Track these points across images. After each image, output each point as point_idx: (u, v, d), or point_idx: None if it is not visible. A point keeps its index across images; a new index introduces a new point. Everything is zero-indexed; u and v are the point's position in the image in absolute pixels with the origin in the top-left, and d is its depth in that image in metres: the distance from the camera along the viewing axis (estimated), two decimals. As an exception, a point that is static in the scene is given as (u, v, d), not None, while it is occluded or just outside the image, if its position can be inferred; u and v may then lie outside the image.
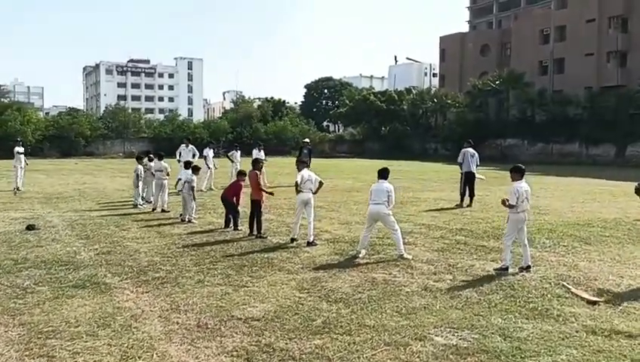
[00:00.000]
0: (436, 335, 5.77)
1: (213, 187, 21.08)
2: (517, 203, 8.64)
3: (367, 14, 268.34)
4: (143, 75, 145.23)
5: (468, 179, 17.02)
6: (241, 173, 12.72)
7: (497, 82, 54.93)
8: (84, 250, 9.78)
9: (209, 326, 5.91)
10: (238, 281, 7.79)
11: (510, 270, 8.55)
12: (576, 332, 5.94)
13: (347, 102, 69.74)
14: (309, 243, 10.46)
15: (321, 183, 10.93)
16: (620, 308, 6.79)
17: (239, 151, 23.14)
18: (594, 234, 11.97)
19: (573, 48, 54.13)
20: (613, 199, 19.05)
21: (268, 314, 6.33)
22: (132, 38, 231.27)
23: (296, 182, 10.72)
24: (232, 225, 12.23)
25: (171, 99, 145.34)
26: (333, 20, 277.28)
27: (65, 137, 53.02)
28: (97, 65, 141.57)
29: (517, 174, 9.07)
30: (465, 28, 79.07)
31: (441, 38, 72.22)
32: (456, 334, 5.83)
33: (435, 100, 61.92)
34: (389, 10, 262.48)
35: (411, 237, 11.43)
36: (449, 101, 59.83)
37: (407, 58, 79.65)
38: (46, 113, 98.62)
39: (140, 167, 16.13)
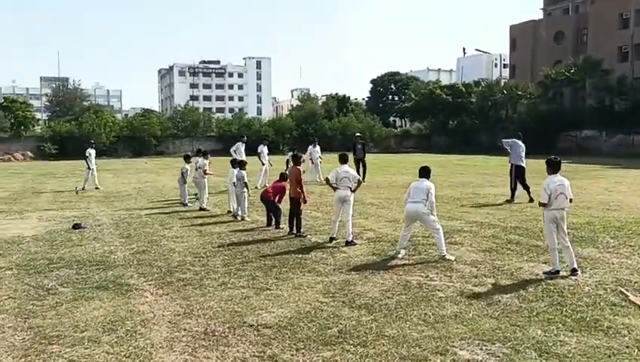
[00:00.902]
0: (461, 349, 5.19)
1: (268, 184, 20.89)
2: (549, 200, 7.85)
3: (436, 5, 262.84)
4: (214, 75, 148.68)
5: (518, 173, 16.07)
6: (283, 176, 12.35)
7: (572, 70, 51.96)
8: (121, 249, 9.76)
9: (216, 333, 5.59)
10: (263, 284, 7.45)
11: (562, 273, 7.75)
12: (627, 347, 5.19)
13: (413, 96, 68.26)
14: (347, 243, 10.00)
15: (359, 181, 10.37)
16: (685, 319, 5.93)
17: (267, 147, 22.12)
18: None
19: (656, 32, 50.46)
20: (696, 193, 17.41)
21: (282, 321, 5.93)
22: (203, 39, 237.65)
23: (327, 179, 10.32)
24: (274, 223, 11.95)
25: (241, 99, 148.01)
26: (399, 13, 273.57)
27: (137, 137, 54.78)
28: (171, 68, 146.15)
29: (550, 168, 8.26)
30: (539, 16, 75.64)
31: (511, 27, 69.25)
32: (484, 347, 5.23)
33: (505, 92, 59.33)
34: (459, 0, 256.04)
35: (460, 236, 10.73)
36: (519, 92, 57.18)
37: (476, 49, 77.06)
38: (125, 115, 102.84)
39: (188, 166, 16.15)
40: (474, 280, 7.59)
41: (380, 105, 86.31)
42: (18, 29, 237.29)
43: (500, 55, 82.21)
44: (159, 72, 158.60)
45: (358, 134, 27.32)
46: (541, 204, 8.01)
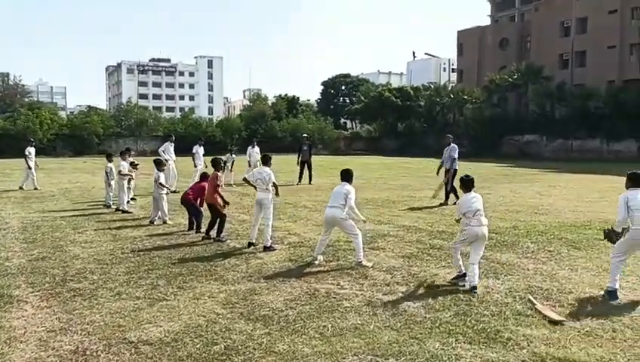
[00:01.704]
0: (350, 366, 4.86)
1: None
2: (465, 216, 7.53)
3: (387, 9, 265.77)
4: (164, 73, 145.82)
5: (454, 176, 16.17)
6: (204, 175, 11.87)
7: (515, 76, 53.23)
8: (19, 256, 9.08)
9: (88, 352, 5.10)
10: (162, 294, 6.97)
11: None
12: (522, 361, 4.97)
13: (363, 98, 68.56)
14: (265, 249, 9.61)
15: (275, 185, 9.92)
16: (587, 329, 5.79)
17: (202, 148, 21.26)
18: (588, 237, 10.86)
19: (594, 40, 52.15)
20: (623, 198, 17.77)
21: (167, 337, 5.48)
22: (154, 37, 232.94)
23: (244, 178, 9.95)
24: (196, 227, 11.44)
25: (192, 98, 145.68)
26: (351, 16, 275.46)
27: (77, 136, 52.94)
28: (119, 65, 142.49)
29: (464, 187, 7.90)
30: (487, 22, 77.18)
31: (459, 32, 70.47)
32: (375, 363, 4.92)
33: (452, 96, 60.32)
34: (410, 5, 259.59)
35: (383, 241, 10.49)
36: (465, 97, 58.21)
37: (426, 53, 78.20)
38: (70, 112, 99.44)
39: (111, 165, 15.41)
40: (385, 288, 7.31)
41: (331, 106, 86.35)
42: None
43: (449, 60, 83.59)
44: (107, 69, 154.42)
45: (305, 135, 26.94)
46: (457, 221, 7.99)
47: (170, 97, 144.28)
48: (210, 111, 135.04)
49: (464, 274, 7.50)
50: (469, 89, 59.31)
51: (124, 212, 14.15)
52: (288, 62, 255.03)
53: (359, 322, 5.98)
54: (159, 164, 12.92)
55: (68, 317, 6.03)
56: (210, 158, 12.28)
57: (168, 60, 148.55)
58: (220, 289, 7.16)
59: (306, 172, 23.04)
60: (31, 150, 20.86)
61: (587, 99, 47.27)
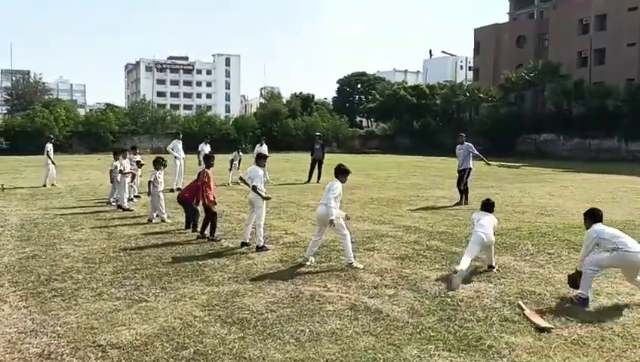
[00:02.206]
0: (320, 373, 4.69)
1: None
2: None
3: (405, 7, 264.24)
4: (182, 71, 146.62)
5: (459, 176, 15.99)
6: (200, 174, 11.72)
7: (532, 74, 52.45)
8: (10, 254, 9.04)
9: (53, 355, 4.99)
10: (143, 295, 6.86)
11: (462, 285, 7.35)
12: (499, 371, 4.77)
13: (377, 96, 68.15)
14: (257, 249, 9.47)
15: (254, 187, 9.56)
16: (574, 337, 5.56)
17: (208, 146, 20.80)
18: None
19: (614, 38, 51.17)
20: (635, 199, 17.39)
21: (138, 340, 5.36)
22: (172, 35, 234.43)
23: (240, 177, 9.83)
24: (192, 226, 11.33)
25: (209, 96, 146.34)
26: (369, 14, 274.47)
27: (93, 133, 53.38)
28: (138, 63, 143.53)
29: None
30: (504, 20, 76.25)
31: (475, 30, 69.67)
32: (347, 371, 4.74)
33: (468, 94, 59.65)
34: (428, 2, 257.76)
35: (380, 242, 10.30)
36: (481, 95, 57.51)
37: (443, 52, 77.53)
38: (90, 110, 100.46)
39: (116, 163, 15.36)
40: (372, 291, 7.13)
41: (347, 105, 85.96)
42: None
43: (466, 58, 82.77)
44: (126, 67, 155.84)
45: (317, 133, 26.74)
46: None
47: (187, 95, 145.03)
48: (228, 109, 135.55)
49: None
50: (485, 87, 58.58)
51: (124, 210, 14.12)
52: (305, 61, 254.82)
53: (338, 327, 5.81)
54: (156, 163, 12.84)
55: (42, 319, 5.94)
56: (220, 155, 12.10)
57: (186, 58, 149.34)
58: (203, 291, 7.04)
59: (316, 171, 22.91)
60: (50, 146, 21.21)
61: (605, 97, 46.39)
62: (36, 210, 14.14)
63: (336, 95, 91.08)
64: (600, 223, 6.92)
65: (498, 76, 58.68)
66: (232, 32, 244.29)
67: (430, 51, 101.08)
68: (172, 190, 17.49)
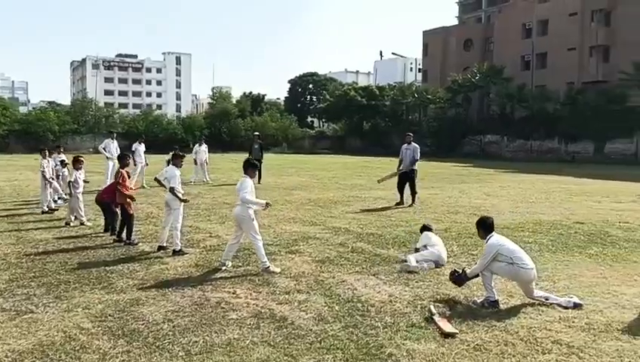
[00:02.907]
0: (201, 389, 4.34)
1: (145, 185, 19.62)
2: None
3: (358, 8, 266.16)
4: (131, 69, 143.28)
5: (400, 178, 15.95)
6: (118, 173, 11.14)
7: (477, 77, 53.46)
8: None
9: None
10: (32, 305, 6.35)
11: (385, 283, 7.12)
12: (393, 382, 4.52)
13: (328, 97, 68.14)
14: (174, 253, 9.04)
15: (171, 189, 9.20)
16: (478, 342, 5.38)
17: (143, 145, 20.56)
18: (517, 239, 10.44)
19: (555, 43, 52.67)
20: (567, 198, 17.69)
21: (8, 357, 4.89)
22: (120, 32, 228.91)
23: (155, 178, 9.42)
24: (112, 229, 10.77)
25: (159, 95, 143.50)
26: (321, 15, 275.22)
27: (32, 133, 51.39)
28: (84, 60, 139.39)
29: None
30: (453, 23, 77.46)
31: (424, 32, 70.60)
32: (232, 386, 4.41)
33: (416, 96, 60.31)
34: (380, 4, 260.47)
35: (305, 244, 10.01)
36: (429, 97, 58.26)
37: (393, 53, 78.01)
38: (33, 108, 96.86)
39: (45, 161, 14.55)
40: (283, 296, 6.81)
41: (298, 105, 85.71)
42: None
43: (416, 59, 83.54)
44: (71, 64, 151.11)
45: (256, 133, 26.30)
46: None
47: (136, 94, 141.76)
48: (178, 108, 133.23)
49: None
50: (433, 89, 59.39)
51: (43, 212, 13.41)
52: (258, 61, 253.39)
53: (236, 337, 5.47)
54: (75, 162, 12.22)
55: None
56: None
57: (135, 56, 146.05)
58: (101, 300, 6.57)
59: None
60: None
61: (546, 100, 47.71)
62: (-53, 212, 13.26)
63: (287, 95, 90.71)
64: (494, 233, 6.87)
65: (446, 78, 59.61)
66: (184, 31, 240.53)
67: (381, 52, 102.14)
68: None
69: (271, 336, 5.49)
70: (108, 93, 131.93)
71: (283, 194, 18.48)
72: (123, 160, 10.39)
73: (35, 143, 50.87)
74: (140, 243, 9.88)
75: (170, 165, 9.37)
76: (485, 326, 5.82)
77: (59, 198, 15.17)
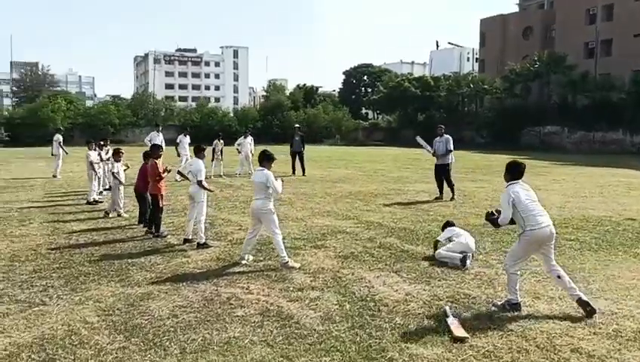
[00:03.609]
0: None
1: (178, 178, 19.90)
2: None
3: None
4: (190, 63, 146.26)
5: (436, 171, 15.44)
6: (146, 155, 10.96)
7: (537, 66, 51.40)
8: (-63, 250, 8.67)
9: None
10: (47, 297, 6.44)
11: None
12: (387, 390, 4.27)
13: (382, 88, 67.30)
14: (199, 246, 9.02)
15: (199, 182, 9.11)
16: (489, 348, 5.04)
17: (188, 137, 20.90)
18: (559, 236, 9.93)
19: (621, 29, 49.97)
20: (624, 193, 16.70)
21: (6, 351, 4.93)
22: (181, 27, 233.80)
23: (178, 171, 9.36)
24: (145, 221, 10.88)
25: (217, 88, 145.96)
26: (377, 5, 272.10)
27: (94, 125, 53.30)
28: (146, 55, 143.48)
29: None
30: (515, 10, 74.74)
31: (481, 20, 68.52)
32: (218, 387, 4.27)
33: (472, 86, 58.64)
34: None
35: (333, 239, 9.80)
36: (486, 87, 56.53)
37: (449, 43, 76.33)
38: (99, 102, 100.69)
39: (92, 153, 14.90)
40: (296, 293, 6.64)
41: (353, 96, 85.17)
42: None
43: (473, 49, 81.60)
44: (135, 59, 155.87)
45: (296, 125, 26.23)
46: None
47: (196, 87, 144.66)
48: (236, 101, 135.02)
49: None
50: (490, 79, 57.61)
51: (88, 203, 13.76)
52: (314, 52, 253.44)
53: (237, 335, 5.34)
54: (115, 154, 12.46)
55: None
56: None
57: (194, 50, 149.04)
58: (114, 293, 6.59)
59: (297, 163, 22.56)
60: (59, 137, 21.28)
61: (610, 89, 45.35)
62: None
63: (342, 86, 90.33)
64: (518, 182, 6.22)
65: (504, 68, 57.68)
66: (241, 24, 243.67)
67: (437, 42, 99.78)
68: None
69: (272, 336, 5.33)
70: (168, 86, 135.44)
71: (325, 186, 18.31)
72: (155, 150, 10.38)
73: (96, 136, 52.99)
74: (170, 236, 9.92)
75: (195, 158, 9.33)
76: (501, 331, 5.46)
77: (104, 190, 15.55)
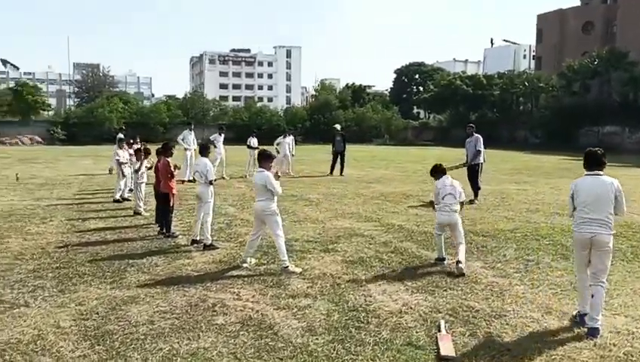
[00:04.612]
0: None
1: (225, 176, 19.98)
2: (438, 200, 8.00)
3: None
4: (244, 63, 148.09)
5: (468, 172, 14.73)
6: (158, 153, 10.55)
7: (596, 62, 49.07)
8: (-52, 247, 8.78)
9: None
10: (32, 298, 6.31)
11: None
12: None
13: (432, 87, 66.00)
14: (205, 247, 8.79)
15: (210, 183, 8.90)
16: (474, 371, 4.52)
17: (222, 136, 20.90)
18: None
19: (689, 22, 47.09)
20: (677, 198, 15.49)
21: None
22: (235, 28, 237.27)
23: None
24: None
25: (270, 88, 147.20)
26: (430, 2, 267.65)
27: (146, 124, 54.55)
28: (201, 56, 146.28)
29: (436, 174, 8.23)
30: (576, 5, 71.75)
31: (538, 16, 66.17)
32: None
33: (527, 84, 56.62)
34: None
35: (347, 242, 9.39)
36: (541, 85, 54.46)
37: (504, 40, 73.89)
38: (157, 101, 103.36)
39: (121, 151, 14.98)
40: (287, 301, 6.27)
41: (404, 95, 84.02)
42: (58, 14, 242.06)
43: (530, 46, 78.82)
44: (190, 59, 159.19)
45: (337, 126, 25.84)
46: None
47: (249, 87, 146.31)
48: (288, 100, 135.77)
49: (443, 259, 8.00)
50: (546, 76, 55.47)
51: (115, 201, 13.83)
52: (366, 51, 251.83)
53: (207, 345, 5.02)
54: (137, 153, 12.45)
55: None
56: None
57: (248, 50, 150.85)
58: (100, 295, 6.41)
59: (338, 164, 22.23)
60: (121, 136, 21.67)
61: (675, 87, 42.78)
62: (28, 199, 14.06)
63: (392, 85, 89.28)
64: (589, 174, 5.76)
65: (561, 65, 55.45)
66: (295, 23, 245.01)
67: (491, 40, 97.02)
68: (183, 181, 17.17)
69: (244, 347, 4.98)
70: (222, 86, 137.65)
71: (359, 187, 17.87)
72: (167, 149, 10.14)
73: (148, 134, 54.22)
74: (181, 236, 9.74)
75: (200, 157, 9.10)
76: (496, 351, 4.92)
77: (130, 190, 15.62)
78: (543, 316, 5.81)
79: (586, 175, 5.76)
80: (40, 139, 49.81)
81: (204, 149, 9.25)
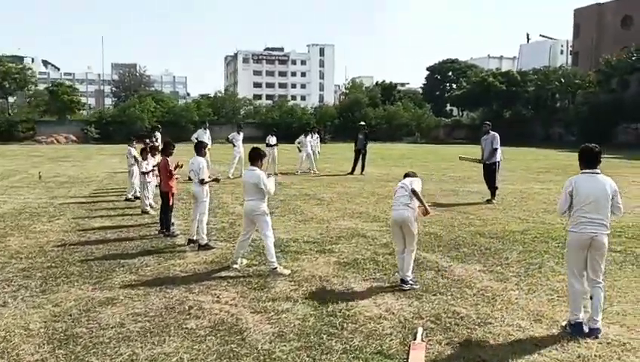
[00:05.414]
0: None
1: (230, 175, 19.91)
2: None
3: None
4: (277, 62, 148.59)
5: (484, 170, 14.27)
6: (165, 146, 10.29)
7: (634, 57, 47.38)
8: (-50, 245, 8.89)
9: None
10: (12, 298, 6.27)
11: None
12: None
13: (464, 84, 64.89)
14: (200, 247, 8.68)
15: (202, 182, 8.79)
16: (442, 385, 4.25)
17: (241, 134, 20.66)
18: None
19: None
20: None
21: None
22: (269, 26, 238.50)
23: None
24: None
25: (303, 86, 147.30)
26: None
27: (176, 123, 55.18)
28: (236, 55, 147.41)
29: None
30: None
31: (575, 10, 64.35)
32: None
33: (562, 80, 55.08)
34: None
35: (345, 242, 9.17)
36: (578, 81, 52.89)
37: (540, 35, 72.18)
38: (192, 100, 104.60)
39: (133, 149, 14.98)
40: (266, 304, 6.08)
41: (437, 93, 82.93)
42: (95, 14, 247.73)
43: (567, 41, 76.76)
44: (225, 58, 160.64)
45: (362, 124, 25.53)
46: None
47: (282, 85, 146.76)
48: (321, 98, 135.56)
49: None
50: (583, 72, 53.87)
51: (127, 200, 13.89)
52: (400, 49, 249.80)
53: (170, 351, 4.87)
54: (144, 151, 12.46)
55: None
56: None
57: (281, 49, 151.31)
58: (80, 296, 6.33)
59: (359, 161, 21.97)
60: (157, 135, 21.83)
61: None
62: (43, 198, 14.25)
63: (425, 82, 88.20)
64: (586, 172, 5.50)
65: (599, 60, 53.78)
66: (328, 22, 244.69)
67: (527, 35, 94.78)
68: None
69: (206, 353, 4.82)
70: (256, 85, 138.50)
71: (376, 186, 17.57)
72: (167, 148, 10.06)
73: (178, 133, 54.86)
74: (181, 235, 9.66)
75: (195, 156, 8.98)
76: (470, 361, 4.62)
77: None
78: (531, 324, 5.48)
79: (583, 173, 5.42)
80: (75, 138, 50.93)
81: (198, 148, 9.14)
